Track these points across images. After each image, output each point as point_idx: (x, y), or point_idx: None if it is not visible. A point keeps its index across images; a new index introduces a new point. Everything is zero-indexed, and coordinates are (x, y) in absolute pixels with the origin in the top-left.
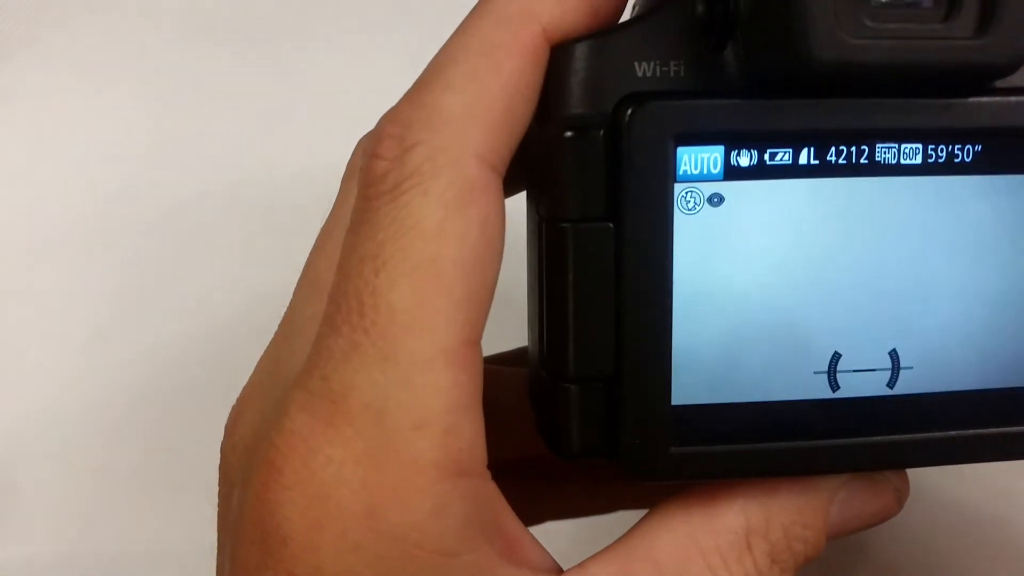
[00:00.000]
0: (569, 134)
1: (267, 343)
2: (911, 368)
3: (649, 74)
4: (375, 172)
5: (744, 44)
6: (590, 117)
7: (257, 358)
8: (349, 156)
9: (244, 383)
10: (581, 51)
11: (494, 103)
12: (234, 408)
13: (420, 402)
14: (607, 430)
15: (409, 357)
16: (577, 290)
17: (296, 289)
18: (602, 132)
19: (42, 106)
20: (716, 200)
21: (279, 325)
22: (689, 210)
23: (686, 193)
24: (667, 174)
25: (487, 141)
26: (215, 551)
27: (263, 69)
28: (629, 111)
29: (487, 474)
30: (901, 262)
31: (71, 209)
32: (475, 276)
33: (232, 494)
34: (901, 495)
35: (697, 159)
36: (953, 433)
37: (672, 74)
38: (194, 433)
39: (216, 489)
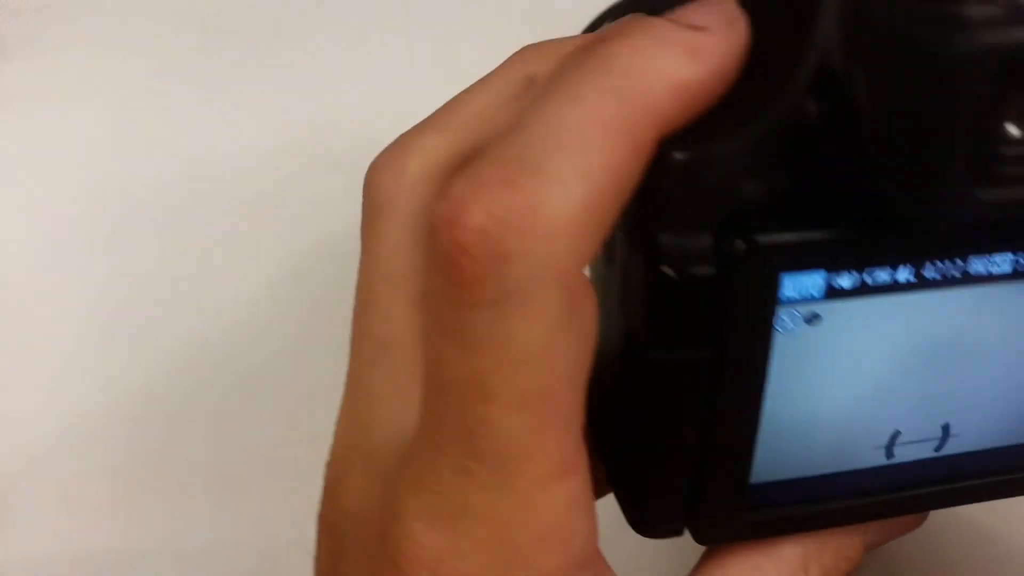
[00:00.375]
0: (667, 270)
1: (267, 345)
2: (958, 435)
3: (753, 191)
4: (465, 273)
5: (858, 161)
6: (689, 250)
7: (259, 359)
8: (338, 147)
9: (245, 384)
10: (682, 166)
11: (606, 212)
12: (331, 469)
13: (541, 519)
14: (685, 513)
15: (526, 480)
16: (664, 414)
17: (354, 347)
18: (703, 268)
19: (42, 106)
20: (813, 319)
21: (347, 384)
22: (786, 330)
23: (785, 315)
24: (770, 303)
25: (591, 249)
26: (214, 552)
27: (263, 67)
28: (736, 245)
29: (599, 552)
30: (972, 358)
31: (71, 210)
32: (581, 382)
33: (344, 557)
34: (926, 513)
35: (799, 283)
36: (991, 480)
37: (777, 189)
38: (195, 433)
39: (218, 494)
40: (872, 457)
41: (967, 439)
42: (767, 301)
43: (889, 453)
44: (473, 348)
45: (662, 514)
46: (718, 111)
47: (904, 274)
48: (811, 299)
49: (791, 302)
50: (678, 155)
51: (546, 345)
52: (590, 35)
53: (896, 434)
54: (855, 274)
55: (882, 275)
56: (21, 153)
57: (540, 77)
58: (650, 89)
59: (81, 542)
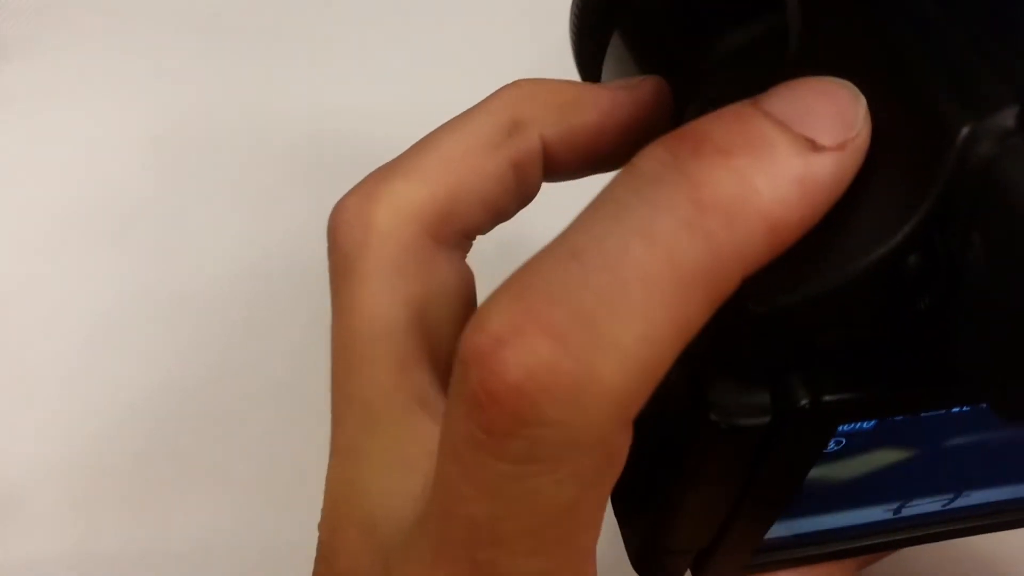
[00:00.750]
0: (716, 418)
1: (268, 346)
2: (967, 495)
3: (826, 341)
4: (493, 425)
5: (948, 329)
6: (745, 403)
7: (260, 362)
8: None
9: (246, 386)
10: (758, 320)
11: (663, 370)
12: (325, 533)
13: None
14: (692, 565)
15: None
16: (690, 511)
17: (339, 412)
18: (757, 419)
19: (42, 106)
20: (858, 442)
21: (336, 449)
22: (828, 450)
23: (832, 442)
24: (822, 446)
25: (638, 410)
26: (214, 552)
27: (263, 67)
28: (800, 402)
29: None
30: (994, 440)
31: (71, 210)
32: (603, 513)
33: None
34: None
35: (854, 425)
36: (989, 521)
37: (851, 338)
38: (195, 433)
39: (218, 494)
40: (881, 515)
41: (976, 497)
42: (819, 445)
43: (898, 512)
44: (490, 495)
45: (671, 569)
46: (804, 246)
47: (958, 410)
48: (861, 431)
49: (840, 435)
50: (755, 307)
51: (574, 502)
52: (680, 130)
53: (907, 501)
54: (911, 416)
55: (937, 414)
56: (21, 153)
57: (526, 123)
58: (746, 232)
59: (83, 543)
